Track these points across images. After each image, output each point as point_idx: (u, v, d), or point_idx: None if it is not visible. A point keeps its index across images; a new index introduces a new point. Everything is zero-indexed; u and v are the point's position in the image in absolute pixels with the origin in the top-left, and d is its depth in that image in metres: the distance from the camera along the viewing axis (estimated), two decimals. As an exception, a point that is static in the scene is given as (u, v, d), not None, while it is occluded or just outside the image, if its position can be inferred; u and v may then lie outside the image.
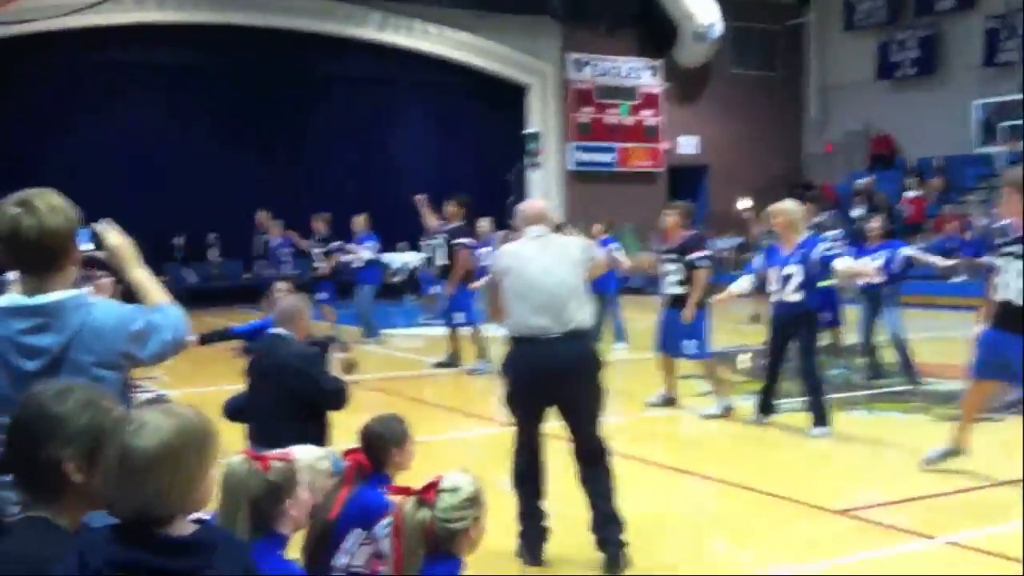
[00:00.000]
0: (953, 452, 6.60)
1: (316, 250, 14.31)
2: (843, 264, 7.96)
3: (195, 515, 2.09)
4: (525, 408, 5.14)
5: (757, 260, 8.40)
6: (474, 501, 3.08)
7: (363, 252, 13.84)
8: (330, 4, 20.33)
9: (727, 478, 6.68)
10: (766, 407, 8.31)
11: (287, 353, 4.96)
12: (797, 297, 7.82)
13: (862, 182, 21.53)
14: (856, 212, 18.67)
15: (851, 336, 11.05)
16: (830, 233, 11.18)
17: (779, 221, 8.04)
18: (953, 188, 21.38)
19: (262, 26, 19.98)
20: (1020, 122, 20.49)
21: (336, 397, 4.91)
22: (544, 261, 5.02)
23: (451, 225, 11.69)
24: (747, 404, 8.81)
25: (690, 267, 8.59)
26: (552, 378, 4.96)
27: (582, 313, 5.01)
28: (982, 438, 7.03)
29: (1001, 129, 20.99)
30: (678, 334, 8.70)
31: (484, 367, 11.18)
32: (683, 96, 24.47)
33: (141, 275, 2.87)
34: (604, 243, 12.83)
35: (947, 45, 23.09)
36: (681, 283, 8.64)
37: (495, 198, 21.97)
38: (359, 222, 14.19)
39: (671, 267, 8.71)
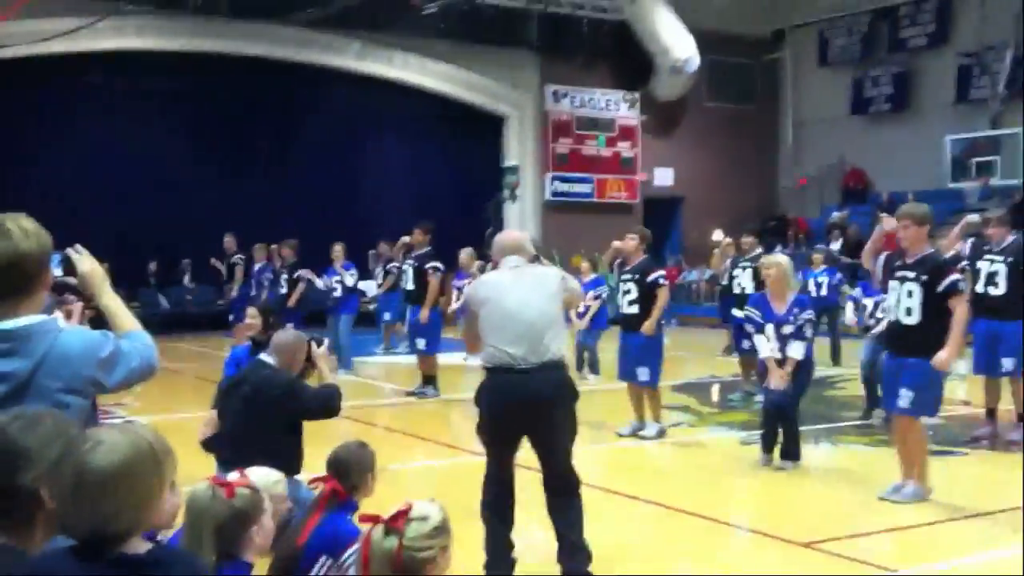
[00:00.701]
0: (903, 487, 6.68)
1: (283, 276, 14.31)
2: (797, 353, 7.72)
3: (157, 536, 2.11)
4: (499, 437, 5.16)
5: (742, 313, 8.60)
6: (442, 530, 3.09)
7: (346, 279, 13.82)
8: (310, 34, 20.40)
9: (694, 509, 6.70)
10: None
11: (269, 382, 5.00)
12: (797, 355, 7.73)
13: (837, 216, 21.75)
14: (832, 246, 18.84)
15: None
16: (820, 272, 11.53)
17: (771, 273, 7.89)
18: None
19: (242, 54, 20.02)
20: (991, 158, 20.79)
21: (327, 410, 5.06)
22: (521, 292, 5.04)
23: (420, 251, 11.77)
24: (717, 435, 8.85)
25: (652, 287, 8.80)
26: (526, 408, 4.98)
27: (558, 344, 5.03)
28: (949, 472, 7.11)
29: (973, 164, 21.28)
30: (633, 359, 8.85)
31: (431, 392, 11.40)
32: (659, 128, 24.68)
33: (111, 301, 2.89)
34: (592, 285, 12.76)
35: (920, 82, 23.44)
36: (636, 303, 8.83)
37: (473, 228, 22.08)
38: (338, 251, 14.11)
39: (629, 287, 8.90)
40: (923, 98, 23.29)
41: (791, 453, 7.86)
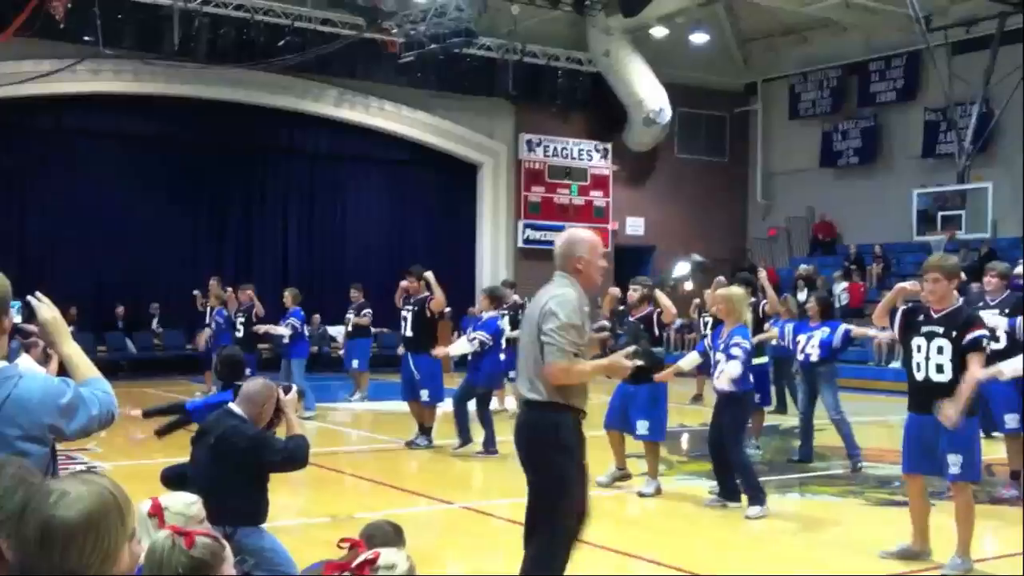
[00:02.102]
0: (913, 551, 6.47)
1: (239, 320, 14.33)
2: (732, 370, 7.83)
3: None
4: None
5: (705, 340, 8.53)
6: (410, 579, 3.08)
7: (281, 328, 13.78)
8: (287, 79, 20.51)
9: (660, 559, 6.69)
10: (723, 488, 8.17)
11: (235, 433, 4.97)
12: (725, 383, 7.86)
13: (805, 268, 21.93)
14: (800, 296, 18.98)
15: (790, 419, 11.18)
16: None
17: (721, 307, 8.18)
18: (893, 275, 21.86)
19: (218, 99, 20.08)
20: (958, 212, 21.08)
21: (294, 463, 5.00)
22: (527, 318, 4.81)
23: (418, 296, 11.42)
24: (686, 484, 8.85)
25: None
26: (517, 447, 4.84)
27: (535, 381, 4.61)
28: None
29: (939, 218, 21.56)
30: (634, 411, 8.64)
31: (423, 442, 11.15)
32: (631, 178, 24.91)
33: (71, 349, 2.89)
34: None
35: (888, 136, 23.81)
36: None
37: (448, 273, 22.07)
38: (288, 296, 14.12)
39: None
40: (891, 152, 23.65)
41: (727, 490, 7.94)
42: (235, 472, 4.89)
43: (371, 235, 22.72)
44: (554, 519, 4.66)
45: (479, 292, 13.95)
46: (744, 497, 7.95)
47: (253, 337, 13.95)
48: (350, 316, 15.58)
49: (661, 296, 8.92)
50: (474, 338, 10.71)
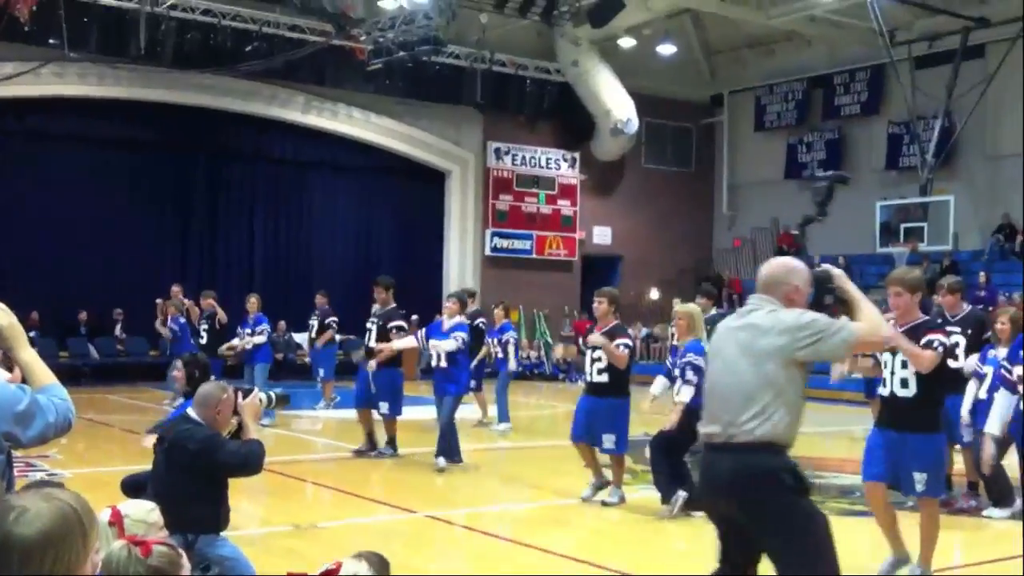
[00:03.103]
0: (900, 561, 6.34)
1: (202, 327, 14.28)
2: (683, 397, 7.91)
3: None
4: (714, 525, 4.38)
5: (669, 360, 8.45)
6: (372, 588, 3.07)
7: (257, 338, 13.71)
8: (255, 84, 20.41)
9: (626, 569, 6.70)
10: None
11: (186, 437, 4.92)
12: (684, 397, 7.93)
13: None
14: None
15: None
16: None
17: (681, 323, 8.28)
18: (856, 286, 22.05)
19: (184, 104, 19.94)
20: (920, 224, 21.33)
21: (247, 467, 4.91)
22: (732, 348, 4.14)
23: (384, 308, 11.33)
24: (650, 494, 8.85)
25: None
26: (713, 494, 4.24)
27: (762, 420, 3.98)
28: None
29: (902, 230, 21.80)
30: (599, 425, 8.60)
31: (388, 452, 11.10)
32: (598, 188, 25.01)
33: (29, 355, 2.85)
34: (502, 330, 13.69)
35: (852, 148, 24.08)
36: (605, 371, 8.55)
37: (415, 280, 22.12)
38: (252, 302, 13.98)
39: (599, 353, 8.58)
40: (855, 164, 23.88)
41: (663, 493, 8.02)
42: (189, 477, 4.84)
43: (338, 242, 22.66)
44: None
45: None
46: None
47: (217, 343, 13.84)
48: (313, 323, 15.46)
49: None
50: (458, 336, 10.29)
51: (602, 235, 25.29)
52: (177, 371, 6.12)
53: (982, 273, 20.16)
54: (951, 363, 7.85)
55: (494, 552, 7.27)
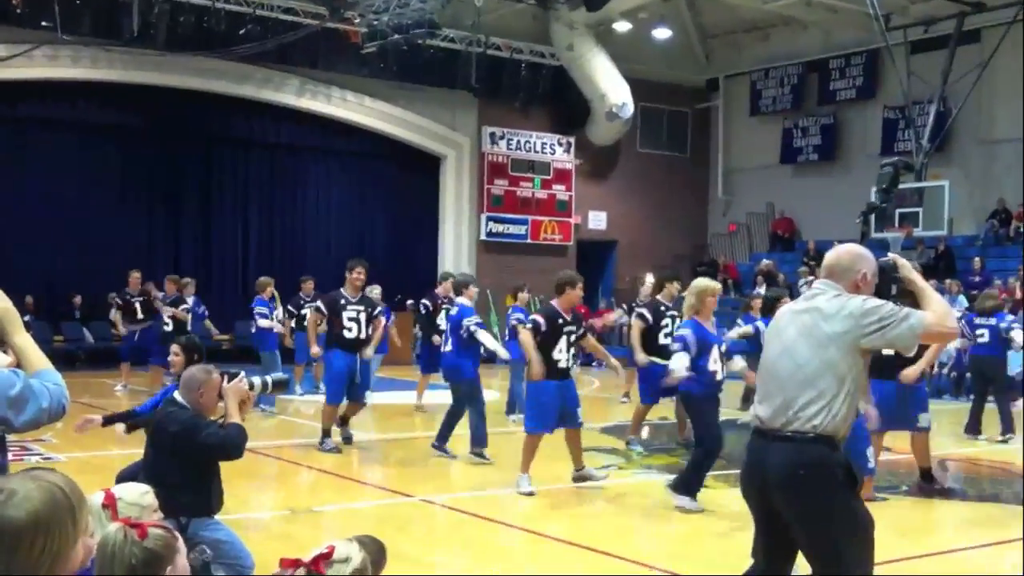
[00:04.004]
0: None
1: (165, 312, 14.32)
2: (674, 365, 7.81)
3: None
4: (753, 513, 4.26)
5: (686, 336, 7.83)
6: (363, 572, 3.07)
7: (266, 322, 13.66)
8: (248, 68, 20.33)
9: (619, 552, 6.72)
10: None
11: (168, 420, 4.92)
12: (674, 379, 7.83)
13: (765, 263, 22.13)
14: (759, 290, 19.17)
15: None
16: None
17: (691, 300, 7.91)
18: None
19: (177, 87, 19.85)
20: (915, 209, 21.32)
21: (226, 450, 4.84)
22: (791, 333, 4.04)
23: (370, 294, 11.17)
24: (642, 478, 8.88)
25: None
26: (756, 483, 4.09)
27: (816, 409, 3.89)
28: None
29: (897, 215, 21.80)
30: (571, 402, 8.65)
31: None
32: (594, 172, 24.98)
33: (23, 340, 2.84)
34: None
35: (847, 133, 24.06)
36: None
37: (409, 265, 22.10)
38: (262, 283, 13.88)
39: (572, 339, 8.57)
40: (850, 149, 23.90)
41: (682, 487, 7.80)
42: (173, 460, 4.83)
43: (332, 227, 22.63)
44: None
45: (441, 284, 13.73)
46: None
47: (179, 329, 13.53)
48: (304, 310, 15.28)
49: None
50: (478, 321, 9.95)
51: (597, 220, 25.27)
52: (175, 355, 6.09)
53: (977, 258, 20.21)
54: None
55: (489, 536, 7.29)
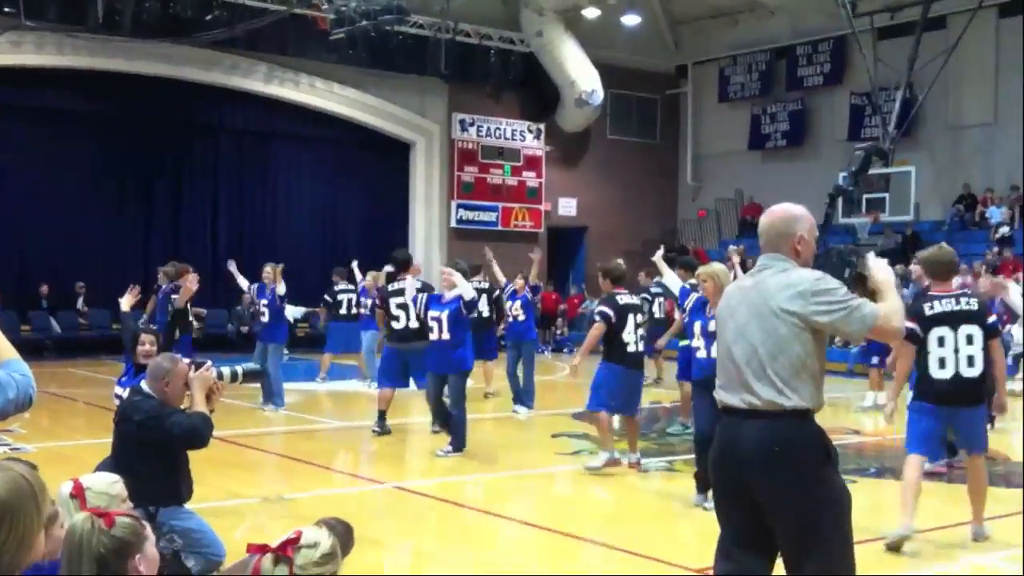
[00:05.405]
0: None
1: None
2: None
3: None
4: (718, 504, 4.12)
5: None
6: (332, 556, 3.08)
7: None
8: (215, 54, 20.15)
9: (584, 535, 6.76)
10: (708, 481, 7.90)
11: (133, 409, 4.90)
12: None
13: (734, 248, 22.20)
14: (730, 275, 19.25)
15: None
16: None
17: (708, 286, 7.59)
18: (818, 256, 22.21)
19: (145, 74, 19.64)
20: (882, 195, 21.49)
21: (190, 439, 4.82)
22: (743, 312, 3.87)
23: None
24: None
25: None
26: (728, 466, 3.92)
27: (782, 384, 3.74)
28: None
29: (864, 201, 21.96)
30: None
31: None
32: (564, 159, 25.00)
33: (-10, 330, 2.82)
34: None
35: (815, 119, 24.22)
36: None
37: (379, 254, 21.99)
38: (268, 271, 12.39)
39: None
40: (818, 135, 24.06)
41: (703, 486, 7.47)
42: (139, 449, 4.82)
43: (302, 214, 22.53)
44: (836, 552, 3.73)
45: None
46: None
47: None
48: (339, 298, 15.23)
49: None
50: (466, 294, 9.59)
51: (567, 206, 25.30)
52: (150, 344, 6.03)
53: (943, 243, 20.38)
54: None
55: (461, 522, 7.31)
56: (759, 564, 3.80)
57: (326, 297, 15.37)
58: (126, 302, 7.30)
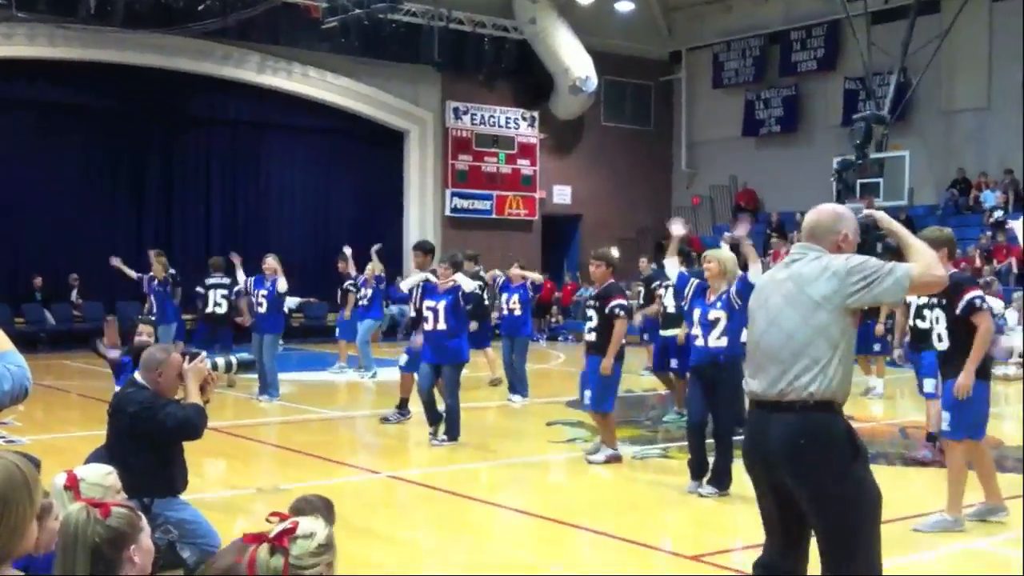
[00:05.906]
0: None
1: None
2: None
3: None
4: (757, 493, 4.08)
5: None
6: (328, 547, 3.08)
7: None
8: (208, 44, 20.08)
9: (580, 523, 6.78)
10: (701, 469, 7.63)
11: (126, 400, 4.90)
12: (721, 343, 7.45)
13: (729, 235, 22.19)
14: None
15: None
16: None
17: (712, 267, 7.63)
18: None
19: (137, 64, 19.58)
20: (876, 180, 21.50)
21: (184, 430, 4.82)
22: (776, 301, 3.87)
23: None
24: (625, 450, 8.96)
25: (610, 316, 8.30)
26: (759, 458, 3.93)
27: (811, 376, 3.75)
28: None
29: (858, 186, 21.96)
30: (585, 382, 8.53)
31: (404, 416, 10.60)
32: (558, 147, 24.98)
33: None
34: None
35: (809, 105, 24.20)
36: (594, 330, 8.41)
37: (373, 243, 21.94)
38: (270, 263, 12.42)
39: (591, 312, 8.53)
40: (812, 121, 24.05)
41: (719, 480, 7.43)
42: (133, 440, 4.82)
43: (296, 204, 22.50)
44: (874, 552, 3.72)
45: (408, 261, 13.64)
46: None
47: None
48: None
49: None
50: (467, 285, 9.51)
51: (562, 194, 25.29)
52: (147, 335, 6.04)
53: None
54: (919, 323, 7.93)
55: (456, 510, 7.32)
56: (792, 554, 3.85)
57: (348, 286, 15.17)
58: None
